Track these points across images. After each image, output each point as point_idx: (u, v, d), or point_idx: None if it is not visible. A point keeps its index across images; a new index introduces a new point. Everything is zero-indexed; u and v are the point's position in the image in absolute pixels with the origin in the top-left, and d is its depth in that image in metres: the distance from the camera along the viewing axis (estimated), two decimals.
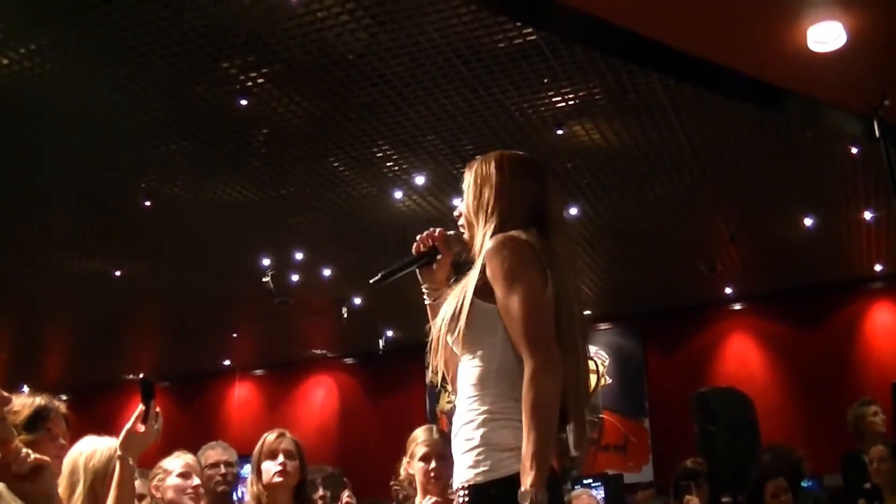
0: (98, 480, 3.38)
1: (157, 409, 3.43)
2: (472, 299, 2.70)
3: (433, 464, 4.41)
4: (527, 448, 2.47)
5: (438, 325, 2.82)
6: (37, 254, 10.02)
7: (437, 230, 2.97)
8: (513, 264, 2.64)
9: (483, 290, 2.69)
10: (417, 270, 2.98)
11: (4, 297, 11.22)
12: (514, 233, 2.72)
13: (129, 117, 7.47)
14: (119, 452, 3.35)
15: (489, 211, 2.82)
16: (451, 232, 2.97)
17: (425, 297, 2.99)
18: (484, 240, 2.77)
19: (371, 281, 2.90)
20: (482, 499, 2.57)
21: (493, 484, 2.56)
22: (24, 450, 2.60)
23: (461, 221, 2.93)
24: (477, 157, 3.01)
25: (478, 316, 2.69)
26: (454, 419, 2.73)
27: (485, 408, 2.64)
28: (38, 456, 2.63)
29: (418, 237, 2.96)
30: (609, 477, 10.65)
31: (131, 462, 3.34)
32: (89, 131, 7.63)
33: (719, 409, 7.13)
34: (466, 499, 2.59)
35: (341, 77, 7.00)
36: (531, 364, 2.53)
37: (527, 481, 2.43)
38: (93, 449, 3.45)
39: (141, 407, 3.40)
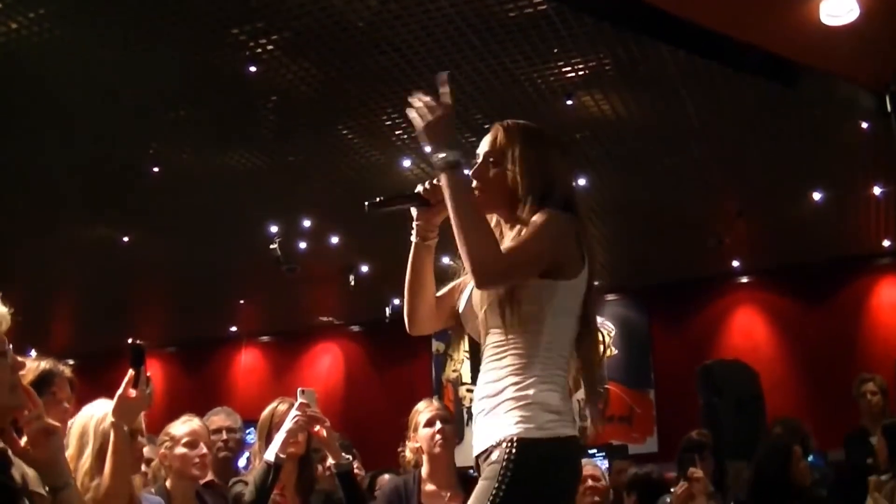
0: (106, 444, 3.36)
1: (148, 374, 3.37)
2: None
3: (438, 425, 4.44)
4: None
5: (474, 297, 2.83)
6: (45, 220, 10.02)
7: None
8: (547, 226, 2.67)
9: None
10: (414, 208, 2.93)
11: (13, 262, 11.24)
12: (562, 213, 2.75)
13: (137, 83, 7.46)
14: (112, 419, 3.32)
15: (527, 184, 2.79)
16: None
17: (413, 234, 2.94)
18: (523, 213, 2.76)
19: (367, 203, 2.85)
20: (529, 454, 2.56)
21: (540, 442, 2.58)
22: (35, 412, 2.60)
23: (478, 186, 2.86)
24: (506, 120, 2.97)
25: (526, 290, 2.68)
26: (487, 383, 2.72)
27: (534, 372, 2.66)
28: (48, 421, 2.63)
29: (430, 182, 2.88)
30: (614, 447, 10.69)
31: (126, 429, 3.31)
32: (97, 97, 7.62)
33: (724, 382, 7.16)
34: (513, 450, 2.56)
35: (350, 44, 6.98)
36: (498, 257, 2.60)
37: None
38: (104, 412, 3.44)
39: (131, 372, 3.34)
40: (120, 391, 3.32)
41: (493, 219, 2.92)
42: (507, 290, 2.67)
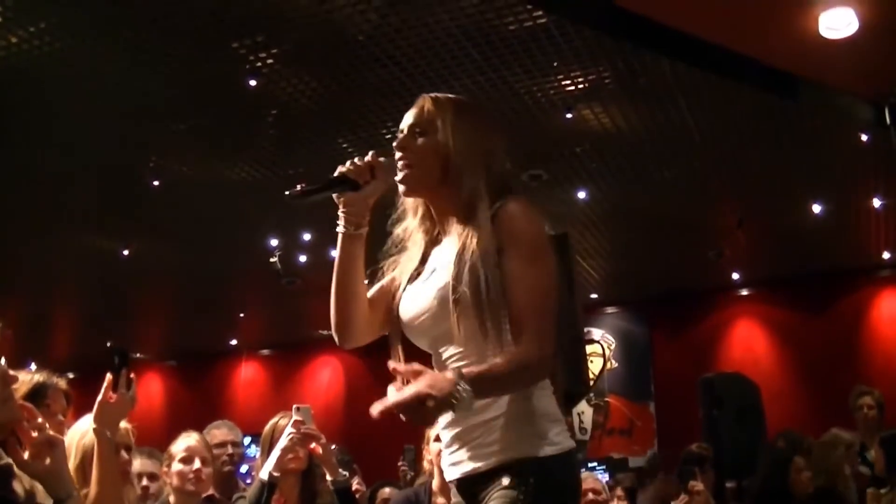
0: (87, 459, 3.32)
1: (132, 376, 3.30)
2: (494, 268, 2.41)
3: None
4: (494, 376, 2.29)
5: (430, 303, 2.49)
6: (45, 231, 10.02)
7: (373, 154, 2.62)
8: (541, 239, 2.48)
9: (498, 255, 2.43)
10: (339, 194, 2.62)
11: (14, 274, 11.24)
12: (526, 204, 2.52)
13: (137, 96, 7.46)
14: (94, 426, 3.27)
15: (462, 155, 2.53)
16: (383, 159, 2.63)
17: (342, 224, 2.60)
18: (473, 195, 2.49)
19: (287, 193, 2.60)
20: (546, 475, 2.36)
21: (554, 460, 2.38)
22: (38, 422, 2.60)
23: (406, 156, 2.60)
24: (436, 93, 2.70)
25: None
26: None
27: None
28: (50, 433, 2.63)
29: (353, 161, 2.61)
30: (614, 461, 10.68)
31: (109, 434, 3.26)
32: (98, 110, 7.62)
33: (725, 395, 7.14)
34: (529, 474, 2.33)
35: (351, 58, 6.99)
36: (533, 350, 2.31)
37: (479, 388, 2.23)
38: (86, 428, 3.41)
39: (110, 376, 3.26)
40: (100, 396, 3.26)
41: (418, 209, 2.69)
42: (485, 293, 2.37)
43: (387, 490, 6.37)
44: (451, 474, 2.51)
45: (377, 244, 2.72)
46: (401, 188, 2.62)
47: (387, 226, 2.75)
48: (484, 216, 2.46)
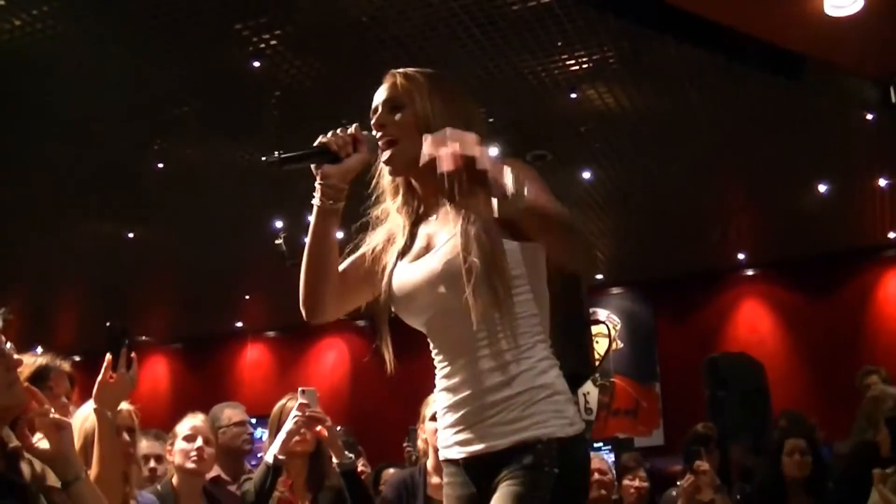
0: (89, 442, 3.32)
1: (132, 356, 3.30)
2: (502, 239, 2.36)
3: None
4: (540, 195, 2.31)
5: (428, 275, 2.42)
6: (49, 216, 10.03)
7: (356, 127, 2.55)
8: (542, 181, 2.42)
9: (503, 226, 2.36)
10: (317, 165, 2.53)
11: (19, 260, 11.26)
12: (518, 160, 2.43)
13: (141, 80, 7.45)
14: (95, 406, 3.27)
15: (444, 125, 2.34)
16: (366, 133, 2.55)
17: (318, 197, 2.52)
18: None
19: (264, 158, 2.52)
20: (570, 455, 2.32)
21: (575, 440, 2.34)
22: (43, 408, 2.61)
23: (388, 131, 2.52)
24: (404, 68, 2.62)
25: (511, 256, 2.38)
26: (482, 374, 2.36)
27: (540, 353, 2.38)
28: (56, 416, 2.63)
29: (335, 132, 2.53)
30: (619, 441, 10.69)
31: (109, 414, 3.27)
32: (101, 93, 7.62)
33: (730, 375, 7.16)
34: (553, 453, 2.28)
35: (354, 39, 6.97)
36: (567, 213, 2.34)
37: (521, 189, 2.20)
38: (88, 412, 3.41)
39: (109, 356, 3.26)
40: (99, 376, 3.27)
41: (398, 189, 2.62)
42: (489, 258, 2.31)
43: (390, 471, 6.38)
44: (455, 453, 2.45)
45: (349, 218, 2.64)
46: (387, 168, 2.55)
47: (360, 209, 2.69)
48: (475, 186, 2.36)
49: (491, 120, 8.22)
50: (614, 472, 7.39)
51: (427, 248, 2.49)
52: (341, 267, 2.59)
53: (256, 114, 8.12)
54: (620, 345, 12.89)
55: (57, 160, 8.70)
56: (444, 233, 2.45)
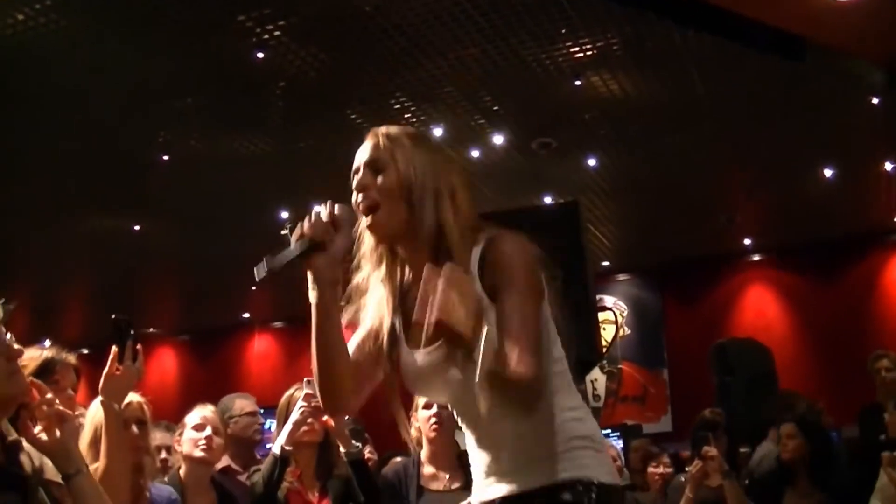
0: (100, 434, 3.33)
1: (138, 348, 3.29)
2: (491, 307, 2.27)
3: (434, 409, 4.43)
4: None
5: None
6: (55, 210, 10.03)
7: (329, 205, 2.37)
8: (537, 275, 2.32)
9: (491, 294, 2.28)
10: (305, 261, 2.37)
11: (25, 254, 11.26)
12: (519, 236, 2.36)
13: (144, 71, 7.46)
14: (101, 399, 3.27)
15: (423, 184, 2.35)
16: (338, 207, 2.36)
17: (316, 290, 2.36)
18: (444, 231, 2.33)
19: (256, 274, 2.40)
20: (606, 499, 2.28)
21: (614, 489, 2.34)
22: (47, 398, 2.61)
23: (370, 195, 2.37)
24: (386, 127, 2.47)
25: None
26: (513, 439, 2.32)
27: (573, 403, 2.36)
28: (59, 408, 2.64)
29: (310, 220, 2.35)
30: (628, 427, 10.69)
31: (116, 407, 3.27)
32: (104, 86, 7.62)
33: (737, 361, 7.15)
34: (593, 495, 2.24)
35: (358, 29, 6.97)
36: (529, 370, 2.16)
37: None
38: (98, 403, 3.42)
39: (115, 348, 3.25)
40: (105, 369, 3.27)
41: (381, 257, 2.47)
42: (493, 332, 2.20)
43: (398, 459, 6.36)
44: (492, 494, 2.37)
45: None
46: (369, 235, 2.41)
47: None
48: (464, 259, 2.29)
49: (496, 108, 8.23)
50: (623, 458, 7.42)
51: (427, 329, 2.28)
52: (352, 354, 2.45)
53: (261, 105, 8.13)
54: (627, 331, 12.88)
55: (62, 153, 8.70)
56: None
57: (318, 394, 2.43)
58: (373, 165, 2.40)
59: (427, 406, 4.46)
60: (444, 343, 2.25)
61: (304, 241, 2.32)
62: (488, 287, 2.27)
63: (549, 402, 2.31)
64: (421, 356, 2.37)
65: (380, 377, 2.47)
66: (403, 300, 2.45)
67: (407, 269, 2.47)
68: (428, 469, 4.47)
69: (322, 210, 2.34)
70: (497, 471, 2.35)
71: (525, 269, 2.28)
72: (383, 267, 2.47)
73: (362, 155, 2.43)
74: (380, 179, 2.37)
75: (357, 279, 2.47)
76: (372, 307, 2.47)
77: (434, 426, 4.42)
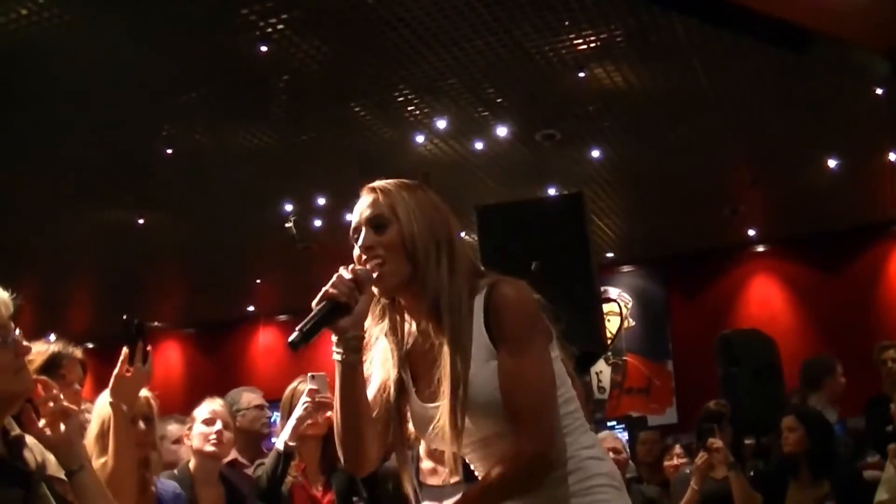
0: (106, 428, 3.34)
1: (148, 349, 3.30)
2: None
3: None
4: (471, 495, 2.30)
5: (456, 405, 2.31)
6: (59, 204, 10.04)
7: (351, 268, 2.37)
8: (532, 328, 2.34)
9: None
10: (331, 324, 2.37)
11: (30, 248, 11.28)
12: (519, 282, 2.40)
13: (148, 65, 7.46)
14: (110, 399, 3.28)
15: (427, 236, 2.39)
16: (359, 268, 2.38)
17: (342, 352, 2.37)
18: (447, 286, 2.37)
19: (290, 341, 2.34)
20: None
21: None
22: (51, 395, 2.61)
23: (375, 254, 2.38)
24: (382, 181, 2.50)
25: None
26: None
27: (588, 443, 2.40)
28: (64, 404, 2.64)
29: (334, 283, 2.35)
30: (633, 419, 10.70)
31: (125, 408, 3.27)
32: (108, 80, 7.62)
33: (742, 352, 7.14)
34: None
35: (361, 22, 6.96)
36: (535, 446, 2.24)
37: None
38: (105, 397, 3.42)
39: (126, 350, 3.25)
40: (116, 370, 3.27)
41: (383, 313, 2.48)
42: (497, 404, 2.29)
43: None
44: None
45: None
46: (376, 290, 2.40)
47: None
48: (468, 308, 2.36)
49: (500, 100, 8.22)
50: (628, 450, 7.42)
51: (433, 384, 2.38)
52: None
53: (264, 98, 8.13)
54: (632, 323, 12.87)
55: (66, 148, 8.70)
56: (444, 369, 2.35)
57: (341, 451, 2.45)
58: (374, 223, 2.42)
59: None
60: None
61: (330, 302, 2.33)
62: (496, 336, 2.31)
63: (571, 442, 2.34)
64: (430, 410, 2.39)
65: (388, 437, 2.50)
66: (408, 353, 2.49)
67: (409, 321, 2.50)
68: (426, 464, 4.47)
69: (344, 272, 2.35)
70: None
71: (528, 317, 2.33)
72: (386, 321, 2.49)
73: (362, 212, 2.45)
74: (383, 236, 2.39)
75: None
76: (378, 361, 2.50)
77: None
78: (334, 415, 2.44)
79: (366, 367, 2.45)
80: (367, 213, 2.43)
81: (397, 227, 2.39)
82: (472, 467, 2.49)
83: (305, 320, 2.33)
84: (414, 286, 2.39)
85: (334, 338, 2.37)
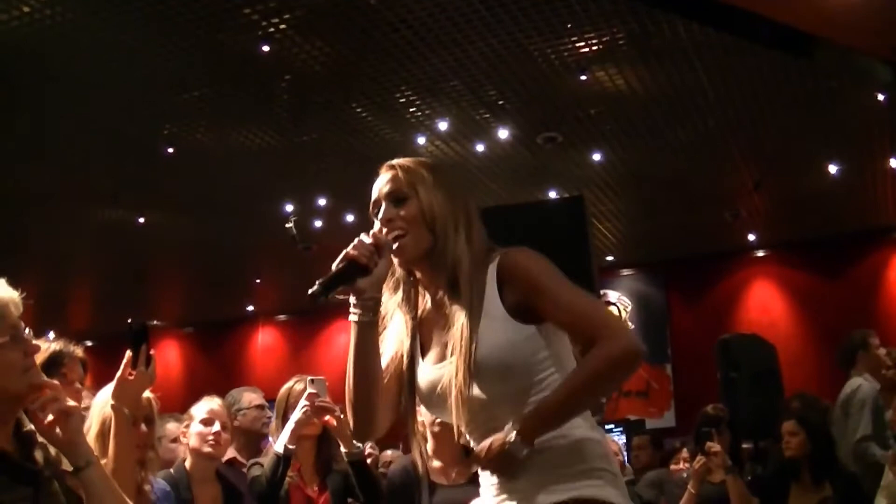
0: (107, 428, 3.33)
1: (151, 353, 3.28)
2: (514, 323, 2.36)
3: None
4: (554, 402, 2.26)
5: (463, 369, 2.36)
6: (60, 202, 10.05)
7: (372, 234, 2.44)
8: (555, 268, 2.38)
9: (515, 310, 2.36)
10: (350, 283, 2.41)
11: (31, 246, 11.29)
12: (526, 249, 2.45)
13: (150, 65, 7.46)
14: (112, 402, 3.26)
15: (448, 211, 2.47)
16: (381, 235, 2.45)
17: (359, 312, 2.42)
18: (464, 257, 2.44)
19: (310, 293, 2.35)
20: None
21: None
22: (53, 394, 2.61)
23: (396, 226, 2.45)
24: (401, 159, 2.58)
25: (534, 341, 2.37)
26: (531, 453, 2.33)
27: (587, 424, 2.40)
28: (66, 403, 2.64)
29: (356, 245, 2.40)
30: (631, 422, 10.70)
31: (126, 411, 3.25)
32: (111, 79, 7.63)
33: (742, 356, 7.13)
34: None
35: (363, 22, 6.97)
36: (621, 341, 2.25)
37: (526, 428, 2.24)
38: (107, 397, 3.41)
39: (129, 353, 3.24)
40: (118, 373, 3.25)
41: (399, 285, 2.55)
42: (510, 358, 2.34)
43: (388, 452, 6.37)
44: None
45: None
46: (396, 259, 2.48)
47: None
48: (480, 276, 2.42)
49: (501, 103, 8.22)
50: (625, 454, 7.41)
51: (442, 348, 2.45)
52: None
53: (266, 98, 8.13)
54: (631, 326, 12.87)
55: (66, 145, 8.71)
56: (454, 330, 2.40)
57: (349, 416, 2.49)
58: (394, 197, 2.48)
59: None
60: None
61: (350, 263, 2.39)
62: (509, 303, 2.36)
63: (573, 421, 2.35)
64: (437, 370, 2.44)
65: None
66: (420, 324, 2.55)
67: (423, 294, 2.57)
68: (436, 462, 4.47)
69: (364, 237, 2.41)
70: (511, 489, 2.39)
71: (548, 267, 2.38)
72: (401, 292, 2.56)
73: (382, 188, 2.51)
74: (403, 211, 2.46)
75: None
76: (392, 335, 2.56)
77: (437, 420, 4.42)
78: (346, 380, 2.47)
79: (382, 341, 2.51)
80: (386, 188, 2.50)
81: (416, 201, 2.46)
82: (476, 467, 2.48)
83: (326, 276, 2.38)
84: (433, 258, 2.46)
85: (352, 298, 2.43)
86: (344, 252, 2.41)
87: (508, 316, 2.35)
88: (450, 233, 2.45)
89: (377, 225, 2.48)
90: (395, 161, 2.56)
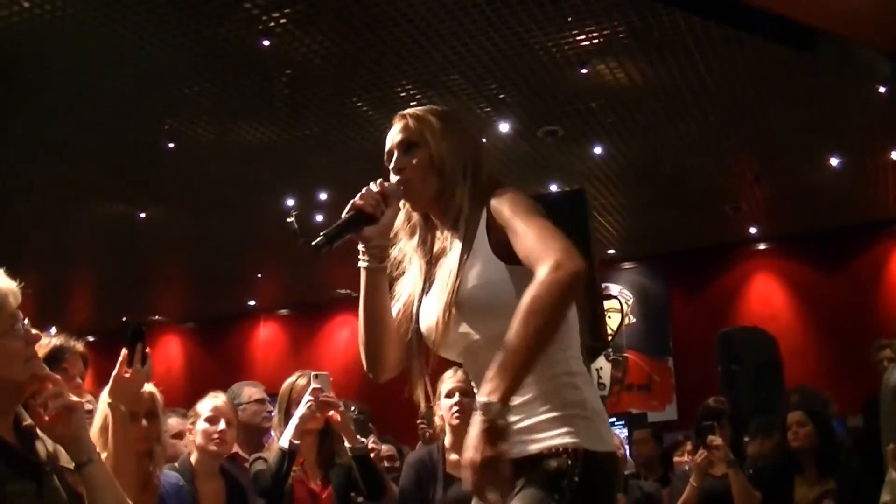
0: (108, 424, 3.34)
1: (147, 351, 3.29)
2: (496, 262, 2.40)
3: (456, 397, 4.45)
4: (509, 354, 2.17)
5: (444, 304, 2.42)
6: (61, 197, 10.06)
7: (380, 182, 2.56)
8: (532, 204, 2.42)
9: (500, 249, 2.39)
10: (357, 231, 2.54)
11: (31, 241, 11.29)
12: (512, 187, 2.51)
13: (150, 60, 7.45)
14: (108, 400, 3.27)
15: (455, 160, 2.55)
16: (388, 184, 2.58)
17: (366, 259, 2.55)
18: (467, 202, 2.51)
19: (314, 244, 2.51)
20: (593, 469, 2.31)
21: (602, 457, 2.35)
22: (56, 389, 2.61)
23: (407, 174, 2.56)
24: (412, 109, 2.66)
25: (504, 281, 2.38)
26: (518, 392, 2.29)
27: (569, 366, 2.40)
28: (69, 398, 2.64)
29: (363, 194, 2.53)
30: (633, 416, 10.70)
31: (123, 409, 3.26)
32: (111, 75, 7.63)
33: (743, 350, 7.16)
34: (577, 463, 2.28)
35: (364, 16, 6.96)
36: (553, 262, 2.21)
37: (495, 390, 2.14)
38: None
39: (125, 351, 3.24)
40: (114, 371, 3.26)
41: (414, 229, 2.66)
42: (491, 293, 2.37)
43: (384, 447, 6.35)
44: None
45: None
46: (405, 204, 2.63)
47: None
48: (476, 217, 2.48)
49: (502, 96, 8.22)
50: (627, 447, 7.42)
51: (440, 286, 2.51)
52: (397, 319, 2.64)
53: (267, 92, 8.13)
54: (633, 320, 12.88)
55: (67, 141, 8.71)
56: (445, 270, 2.50)
57: (362, 357, 2.62)
58: (405, 146, 2.60)
59: (449, 394, 4.49)
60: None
61: (357, 212, 2.53)
62: (494, 242, 2.43)
63: (547, 365, 2.33)
64: (428, 301, 2.55)
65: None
66: (433, 266, 2.63)
67: (438, 237, 2.65)
68: (453, 456, 4.48)
69: (373, 185, 2.55)
70: None
71: (520, 202, 2.43)
72: (416, 237, 2.68)
73: (394, 137, 2.63)
74: (414, 158, 2.58)
75: (394, 251, 2.66)
76: (408, 277, 2.67)
77: (456, 414, 4.44)
78: (358, 323, 2.61)
79: (398, 285, 2.65)
80: (397, 137, 2.62)
81: (426, 150, 2.58)
82: None
83: (331, 226, 2.51)
84: (442, 202, 2.57)
85: (361, 246, 2.57)
86: (351, 202, 2.54)
87: (493, 255, 2.42)
88: (458, 178, 2.55)
89: (393, 176, 2.59)
90: (406, 111, 2.65)
